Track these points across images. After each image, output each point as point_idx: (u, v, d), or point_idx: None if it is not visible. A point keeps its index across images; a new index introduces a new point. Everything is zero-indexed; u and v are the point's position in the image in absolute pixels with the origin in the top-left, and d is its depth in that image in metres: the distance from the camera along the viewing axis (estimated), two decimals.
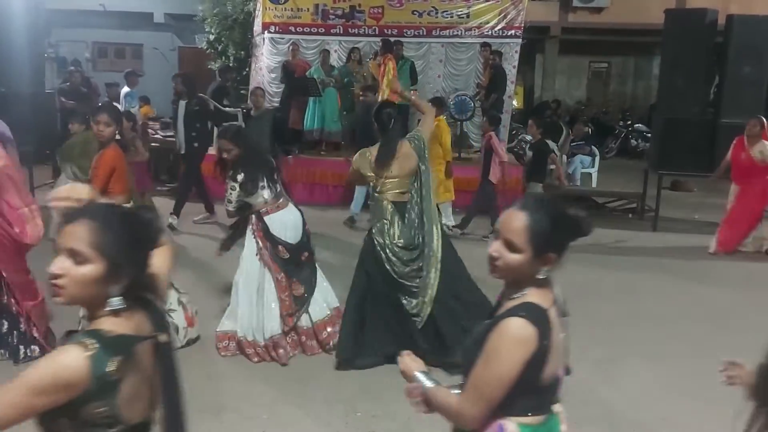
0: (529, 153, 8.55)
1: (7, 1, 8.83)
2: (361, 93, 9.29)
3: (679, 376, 4.49)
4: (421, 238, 4.43)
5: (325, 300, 4.75)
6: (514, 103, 14.23)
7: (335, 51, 11.55)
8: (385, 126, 4.46)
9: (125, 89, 11.22)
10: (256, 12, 11.99)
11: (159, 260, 1.75)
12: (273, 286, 4.52)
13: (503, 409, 1.76)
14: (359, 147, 5.00)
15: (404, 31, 11.43)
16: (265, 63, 11.90)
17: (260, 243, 4.54)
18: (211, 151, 9.17)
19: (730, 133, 7.96)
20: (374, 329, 4.45)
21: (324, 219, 8.08)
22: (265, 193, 4.52)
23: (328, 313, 4.71)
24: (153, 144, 9.67)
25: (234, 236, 4.85)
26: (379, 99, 8.81)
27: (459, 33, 11.42)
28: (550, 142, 10.69)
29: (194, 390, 4.11)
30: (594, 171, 11.42)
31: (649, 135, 13.68)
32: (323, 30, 11.69)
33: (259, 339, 4.53)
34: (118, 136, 4.51)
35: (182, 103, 8.20)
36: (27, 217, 4.15)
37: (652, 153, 10.35)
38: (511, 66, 11.26)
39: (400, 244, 4.40)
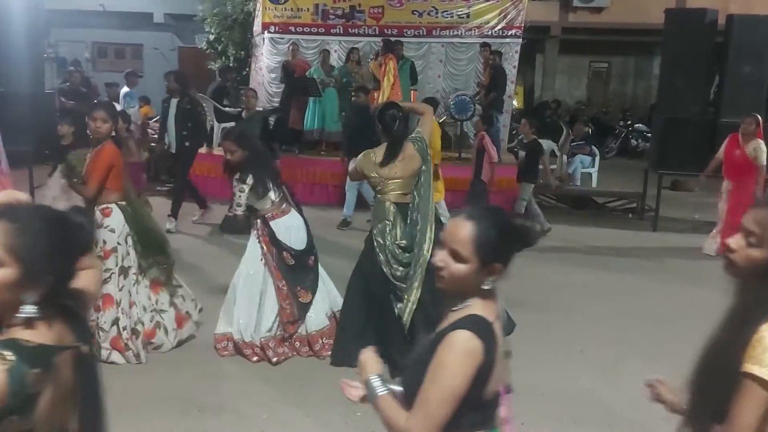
0: (521, 153, 8.51)
1: (6, 1, 8.84)
2: (353, 94, 9.27)
3: (679, 376, 4.47)
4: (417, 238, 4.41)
5: (326, 306, 4.72)
6: (515, 103, 14.24)
7: (335, 51, 11.54)
8: (389, 127, 4.42)
9: (125, 89, 11.20)
10: (256, 12, 11.99)
11: (86, 281, 1.67)
12: (274, 293, 4.51)
13: (451, 427, 1.71)
14: (349, 147, 4.96)
15: (404, 31, 11.44)
16: (265, 63, 11.90)
17: (265, 248, 4.51)
18: (203, 150, 9.19)
19: (730, 132, 7.95)
20: (368, 334, 4.39)
21: (324, 219, 8.06)
22: (272, 195, 4.51)
23: (327, 324, 4.67)
24: (153, 144, 9.65)
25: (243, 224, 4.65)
26: (380, 99, 8.81)
27: (459, 33, 11.44)
28: (551, 142, 10.74)
29: (193, 390, 4.13)
30: (594, 171, 11.40)
31: (650, 135, 13.70)
32: (323, 30, 11.70)
33: (256, 339, 4.51)
34: (113, 134, 4.50)
35: (173, 102, 7.96)
36: None
37: (652, 153, 10.37)
38: (511, 66, 11.28)
39: (401, 245, 4.37)
